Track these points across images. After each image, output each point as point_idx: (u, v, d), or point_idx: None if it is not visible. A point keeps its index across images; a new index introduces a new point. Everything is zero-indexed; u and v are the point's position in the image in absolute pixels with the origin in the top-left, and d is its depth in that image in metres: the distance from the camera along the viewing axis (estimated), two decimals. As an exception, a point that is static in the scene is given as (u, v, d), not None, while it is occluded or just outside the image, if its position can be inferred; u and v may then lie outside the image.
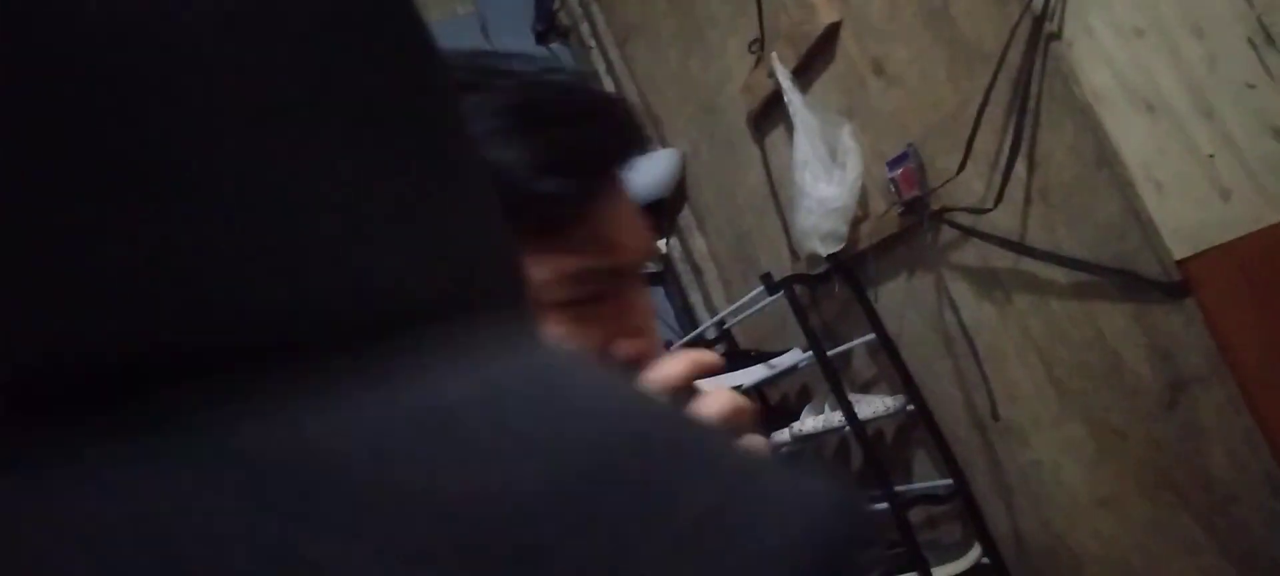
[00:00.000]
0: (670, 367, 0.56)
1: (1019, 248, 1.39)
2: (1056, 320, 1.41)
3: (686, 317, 2.45)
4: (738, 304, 1.95)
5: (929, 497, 1.75)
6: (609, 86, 2.45)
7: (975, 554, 1.71)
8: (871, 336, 1.74)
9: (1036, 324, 1.44)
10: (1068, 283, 1.37)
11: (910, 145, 1.50)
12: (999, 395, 1.54)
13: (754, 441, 0.56)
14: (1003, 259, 1.44)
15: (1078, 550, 1.55)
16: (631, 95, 2.40)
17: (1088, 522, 1.51)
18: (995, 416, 1.53)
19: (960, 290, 1.54)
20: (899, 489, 1.73)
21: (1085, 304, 1.36)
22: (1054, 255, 1.35)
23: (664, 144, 2.35)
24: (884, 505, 1.70)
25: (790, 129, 1.77)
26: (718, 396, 0.56)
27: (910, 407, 1.73)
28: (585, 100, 0.57)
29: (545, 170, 0.51)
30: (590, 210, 0.54)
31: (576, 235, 0.54)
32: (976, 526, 1.71)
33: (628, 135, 0.57)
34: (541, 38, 2.62)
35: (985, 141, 1.37)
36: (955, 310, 1.53)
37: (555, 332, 0.55)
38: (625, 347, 0.57)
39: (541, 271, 0.54)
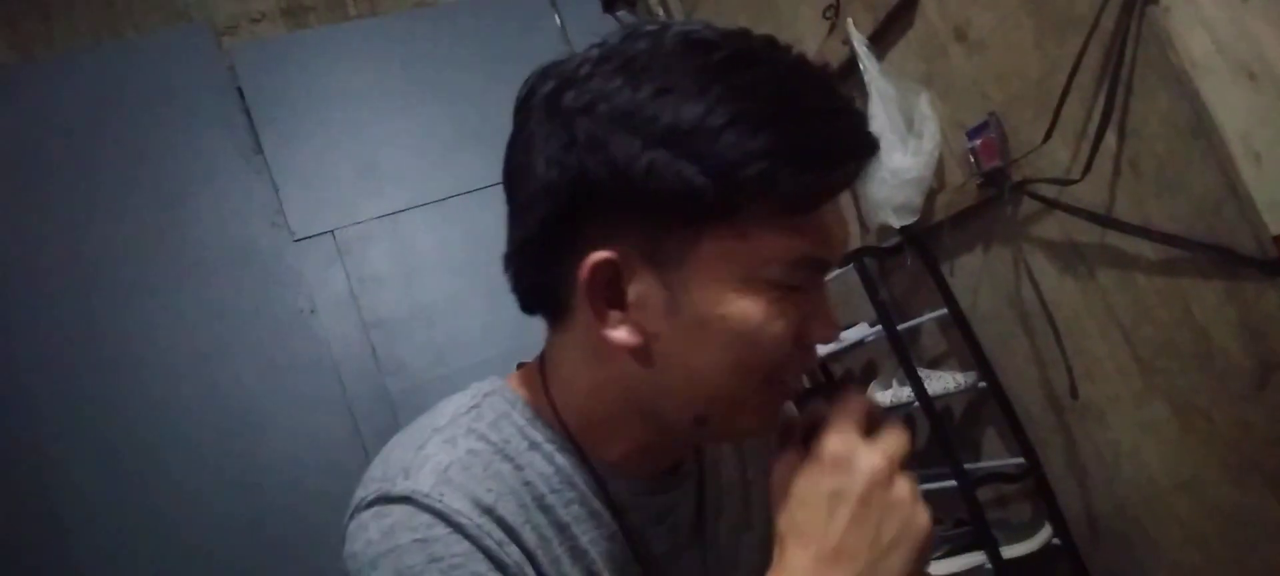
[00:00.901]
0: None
1: (1106, 221, 1.34)
2: (1143, 296, 1.37)
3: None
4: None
5: (999, 476, 1.71)
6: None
7: (1046, 534, 1.67)
8: (943, 311, 1.71)
9: (1121, 300, 1.40)
10: (1156, 258, 1.32)
11: (992, 114, 1.46)
12: (1078, 373, 1.49)
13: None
14: (1087, 233, 1.40)
15: (1155, 534, 1.50)
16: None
17: (1167, 506, 1.46)
18: (1074, 394, 1.49)
19: (1040, 264, 1.50)
20: (968, 466, 1.69)
21: (1174, 280, 1.32)
22: (1143, 229, 1.30)
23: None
24: (952, 483, 1.68)
25: (864, 97, 1.74)
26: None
27: (982, 384, 1.70)
28: (837, 97, 0.58)
29: (805, 161, 0.54)
30: (826, 203, 0.57)
31: (808, 224, 0.57)
32: (1048, 506, 1.68)
33: (866, 138, 0.58)
34: (609, 5, 2.59)
35: (1073, 110, 1.33)
36: (1035, 285, 1.49)
37: (762, 309, 0.57)
38: (820, 335, 0.61)
39: (770, 248, 0.57)
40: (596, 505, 0.67)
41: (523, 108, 0.62)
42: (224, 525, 2.01)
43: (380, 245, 2.28)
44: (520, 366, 0.73)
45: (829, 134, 0.56)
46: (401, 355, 2.22)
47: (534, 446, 0.66)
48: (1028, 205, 1.47)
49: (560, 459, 0.66)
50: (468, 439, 0.64)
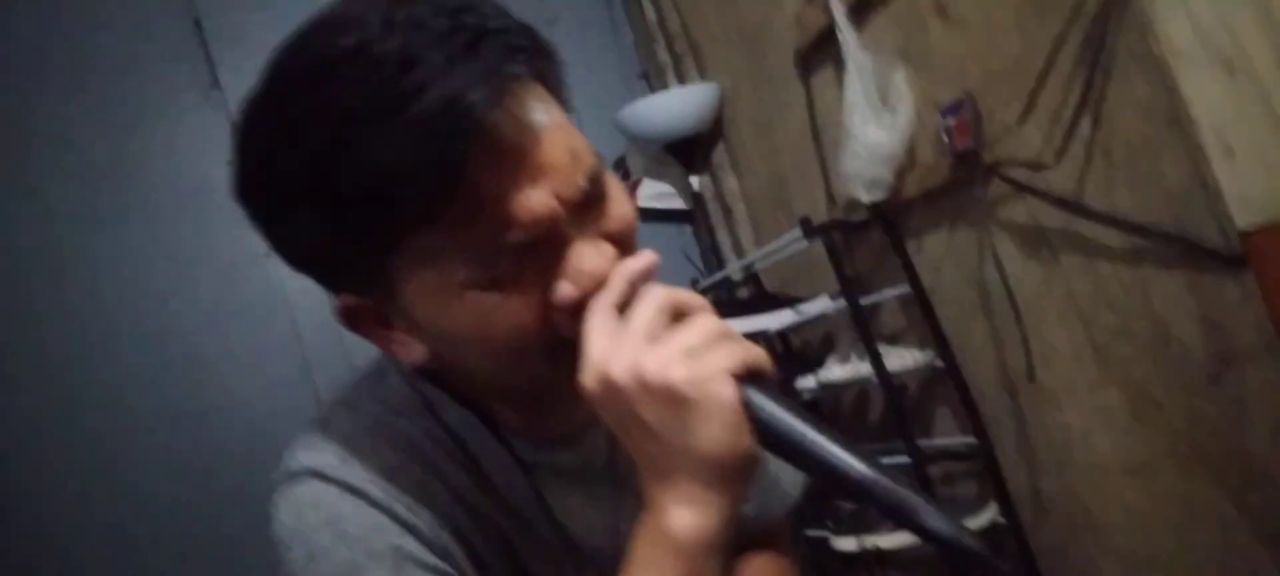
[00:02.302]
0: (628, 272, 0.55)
1: (1074, 207, 1.34)
2: (1105, 284, 1.37)
3: (714, 258, 2.42)
4: (770, 247, 1.92)
5: (950, 454, 1.73)
6: (651, 16, 2.39)
7: (991, 512, 1.70)
8: (905, 288, 1.71)
9: (1083, 286, 1.41)
10: (1121, 246, 1.33)
11: (967, 93, 1.45)
12: (1035, 357, 1.51)
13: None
14: (1054, 218, 1.40)
15: (1100, 518, 1.53)
16: (673, 24, 2.34)
17: (1114, 491, 1.49)
18: (1031, 377, 1.51)
19: (1006, 247, 1.50)
20: (920, 443, 1.71)
21: (1137, 269, 1.32)
22: (1110, 217, 1.31)
23: (703, 77, 2.29)
24: (905, 458, 1.69)
25: (840, 69, 1.72)
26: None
27: (939, 363, 1.71)
28: (418, 62, 0.50)
29: (405, 166, 0.49)
30: (471, 187, 0.50)
31: (460, 214, 0.51)
32: (995, 486, 1.70)
33: (472, 85, 0.50)
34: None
35: (1050, 94, 1.33)
36: (999, 267, 1.49)
37: (478, 305, 0.53)
38: (562, 293, 0.55)
39: (438, 267, 0.53)
40: (506, 461, 0.66)
41: None
42: (172, 468, 1.98)
43: (339, 190, 2.22)
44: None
45: (405, 117, 0.48)
46: (357, 304, 2.17)
47: (436, 406, 0.65)
48: (998, 188, 1.46)
49: (455, 413, 0.66)
50: (371, 404, 0.64)
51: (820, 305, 1.84)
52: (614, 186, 0.59)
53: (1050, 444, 1.58)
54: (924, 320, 1.70)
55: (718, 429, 0.49)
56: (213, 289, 2.09)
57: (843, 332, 1.91)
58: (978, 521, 1.68)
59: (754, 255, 2.08)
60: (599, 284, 0.55)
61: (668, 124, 2.15)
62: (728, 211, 2.33)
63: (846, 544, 1.77)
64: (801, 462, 0.51)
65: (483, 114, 0.50)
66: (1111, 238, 1.34)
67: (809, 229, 1.70)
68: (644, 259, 0.56)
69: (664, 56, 2.35)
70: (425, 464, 0.63)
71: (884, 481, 0.48)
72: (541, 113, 0.54)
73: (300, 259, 0.58)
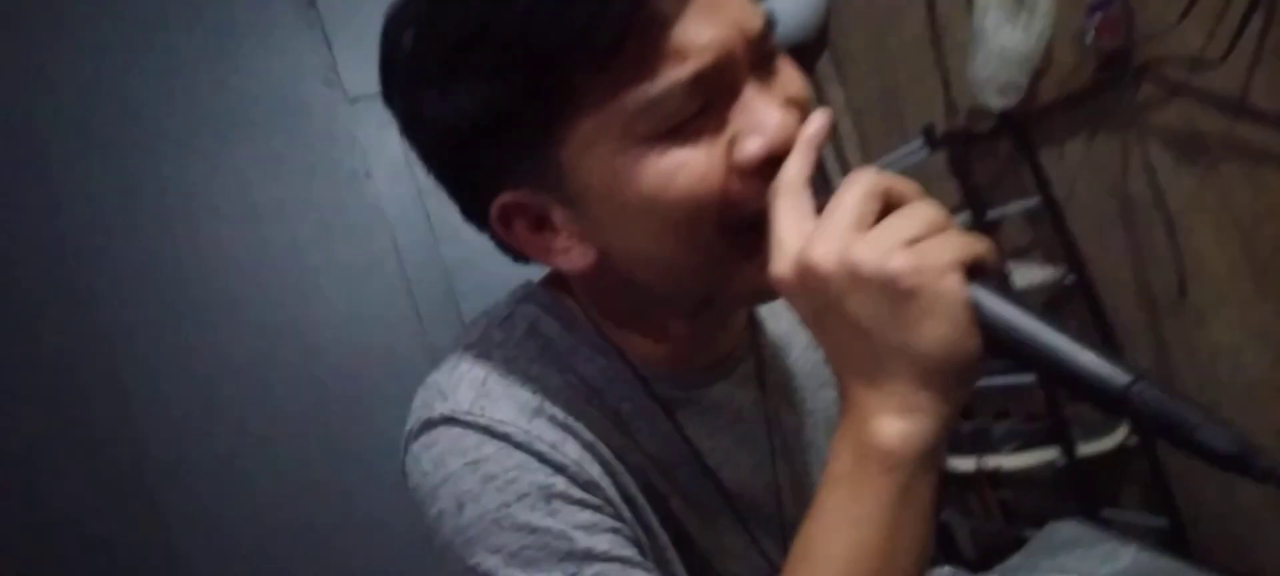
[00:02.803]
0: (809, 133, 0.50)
1: (1240, 109, 1.24)
2: (1269, 192, 1.28)
3: (817, 174, 2.34)
4: (886, 159, 1.84)
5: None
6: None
7: (1122, 433, 1.63)
8: (1035, 200, 1.62)
9: (1243, 195, 1.31)
10: (1290, 153, 1.23)
11: (1119, -12, 1.35)
12: (1185, 272, 1.42)
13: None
14: (1214, 122, 1.30)
15: (1246, 440, 1.46)
16: (775, -74, 2.22)
17: (1263, 412, 1.41)
18: (1182, 292, 1.42)
19: (1155, 154, 1.41)
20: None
21: (1308, 177, 1.23)
22: (1281, 120, 1.21)
23: (809, -18, 2.18)
24: (1029, 377, 1.63)
25: (969, -34, 1.61)
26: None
27: (1070, 279, 1.63)
28: None
29: (560, 8, 0.47)
30: (646, 17, 0.47)
31: (638, 56, 0.48)
32: (1128, 407, 1.63)
33: None
34: None
35: (1217, -14, 1.22)
36: (1148, 176, 1.40)
37: (660, 163, 0.49)
38: (747, 149, 0.50)
39: (618, 111, 0.49)
40: (646, 402, 0.62)
41: None
42: (276, 382, 2.02)
43: (437, 109, 2.20)
44: (550, 275, 0.67)
45: None
46: (458, 222, 2.16)
47: (573, 348, 0.62)
48: (1149, 90, 1.36)
49: (600, 360, 0.62)
50: (502, 348, 0.60)
51: (939, 220, 1.76)
52: (782, 54, 0.55)
53: (1192, 363, 1.50)
54: (1053, 234, 1.62)
55: (943, 326, 0.43)
56: (314, 207, 2.10)
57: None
58: (1107, 442, 1.62)
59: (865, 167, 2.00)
60: (785, 143, 0.50)
61: None
62: (833, 125, 2.24)
63: (964, 464, 1.72)
64: (1040, 367, 0.45)
65: None
66: (1278, 144, 1.24)
67: (932, 139, 1.62)
68: (822, 117, 0.51)
69: (765, -39, 2.25)
70: (569, 399, 0.59)
71: (1151, 391, 0.42)
72: None
73: (455, 152, 0.54)
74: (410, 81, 0.53)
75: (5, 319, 1.87)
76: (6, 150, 1.92)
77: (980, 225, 1.62)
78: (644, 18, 0.47)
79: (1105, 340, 1.61)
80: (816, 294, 0.46)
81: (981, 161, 1.77)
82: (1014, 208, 1.67)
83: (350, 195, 2.14)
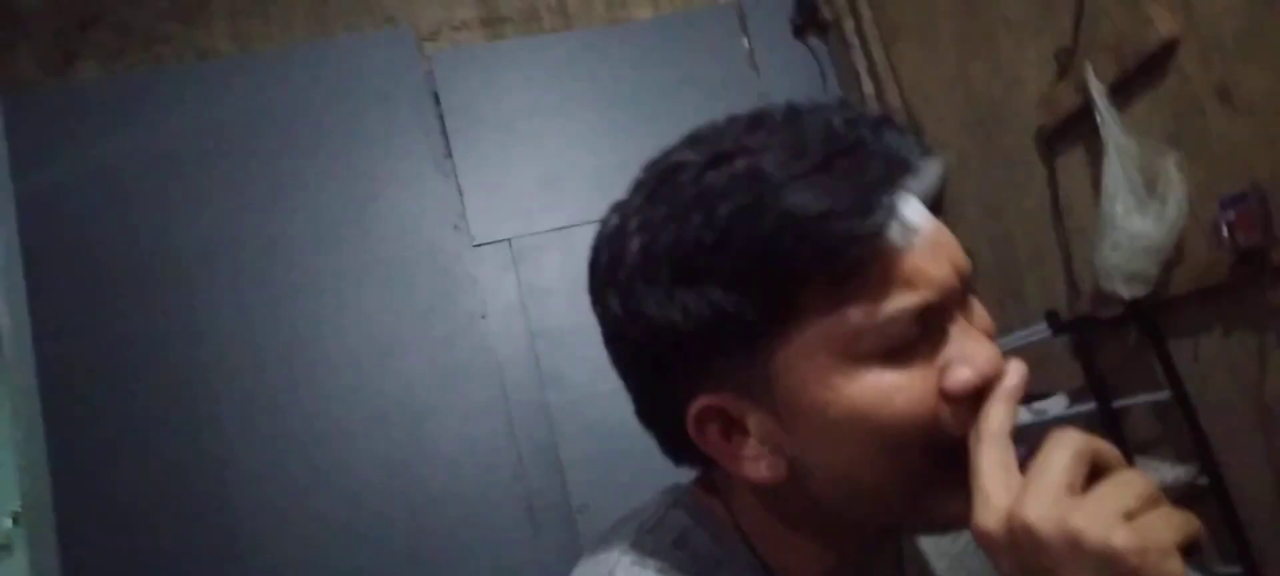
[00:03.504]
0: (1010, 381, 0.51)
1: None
2: None
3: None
4: (1008, 339, 1.79)
5: (1215, 584, 1.53)
6: (868, 90, 2.33)
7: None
8: (1164, 394, 1.55)
9: (1399, 411, 1.22)
10: None
11: (1254, 185, 1.31)
12: (1334, 486, 1.32)
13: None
14: (1363, 329, 1.23)
15: None
16: (893, 100, 2.27)
17: None
18: (1330, 510, 1.31)
19: (1297, 358, 1.33)
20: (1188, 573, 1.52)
21: None
22: None
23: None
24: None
25: (1091, 152, 1.60)
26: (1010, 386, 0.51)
27: (1202, 480, 1.53)
28: (856, 129, 0.52)
29: (827, 216, 0.48)
30: (883, 246, 0.50)
31: (872, 277, 0.50)
32: (1270, 628, 1.49)
33: (904, 159, 0.51)
34: (799, 32, 2.53)
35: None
36: (1290, 380, 1.32)
37: (879, 382, 0.50)
38: (961, 377, 0.51)
39: (848, 325, 0.50)
40: None
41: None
42: (381, 515, 2.06)
43: (553, 256, 2.28)
44: (702, 476, 0.67)
45: (843, 176, 0.49)
46: (563, 367, 2.21)
47: (720, 564, 0.60)
48: (1289, 290, 1.30)
49: None
50: (655, 558, 0.60)
51: (1058, 405, 1.70)
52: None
53: (1344, 586, 1.37)
54: (1186, 431, 1.53)
55: None
56: (431, 346, 2.18)
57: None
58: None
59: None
60: (994, 375, 0.51)
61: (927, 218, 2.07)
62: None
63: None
64: None
65: (912, 178, 0.51)
66: None
67: (1057, 324, 1.57)
68: (1019, 372, 0.52)
69: (882, 132, 2.28)
70: None
71: None
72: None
73: (669, 352, 0.54)
74: (635, 278, 0.54)
75: (127, 432, 1.99)
76: (152, 273, 2.08)
77: (1106, 414, 1.55)
78: (882, 245, 0.50)
79: (1240, 551, 1.49)
80: (1028, 555, 0.46)
81: (1106, 348, 1.71)
82: (1142, 398, 1.59)
83: (466, 336, 2.21)
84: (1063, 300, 1.80)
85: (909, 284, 0.50)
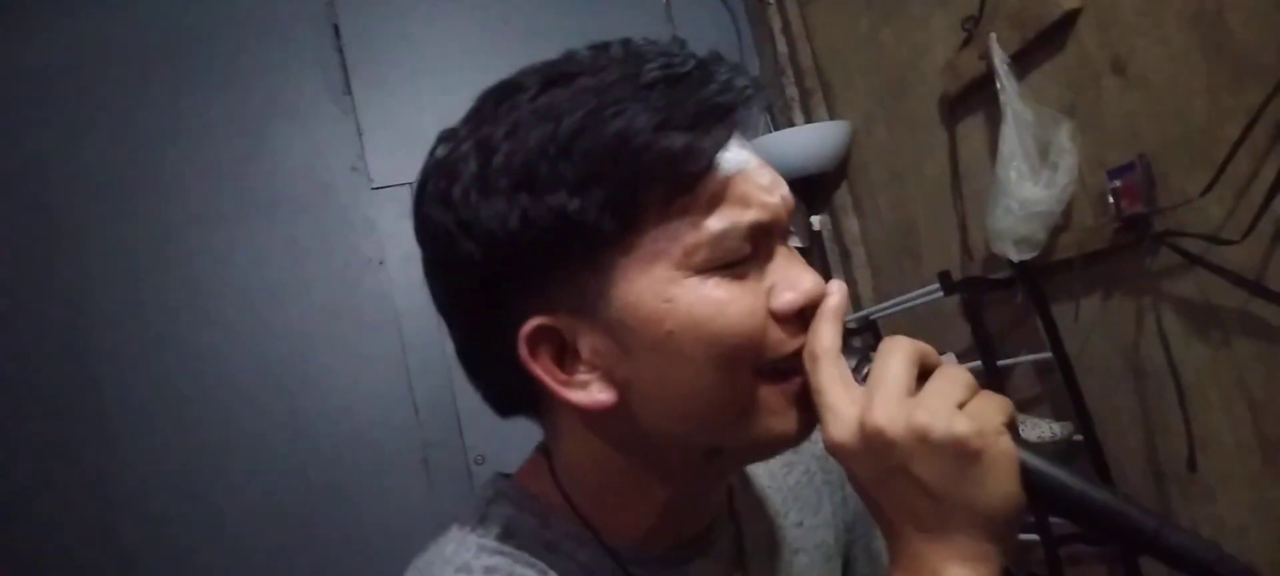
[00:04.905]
0: (832, 302, 0.55)
1: (1257, 288, 1.24)
2: (1282, 373, 1.27)
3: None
4: (901, 299, 1.84)
5: (1083, 537, 1.62)
6: (782, 49, 2.34)
7: (1125, 603, 1.59)
8: (1045, 354, 1.62)
9: (1256, 374, 1.30)
10: (1307, 335, 1.23)
11: (1141, 156, 1.36)
12: (1195, 443, 1.40)
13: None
14: (1230, 297, 1.30)
15: (1253, 623, 1.41)
16: (805, 61, 2.29)
17: (1272, 597, 1.37)
18: (1192, 466, 1.40)
19: (1169, 323, 1.40)
20: (1054, 521, 1.60)
21: (1323, 362, 1.22)
22: (1300, 303, 1.21)
23: (833, 116, 2.23)
24: (1035, 536, 1.59)
25: (991, 119, 1.64)
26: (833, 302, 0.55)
27: (1078, 437, 1.61)
28: (692, 60, 0.55)
29: (667, 127, 0.51)
30: (717, 166, 0.53)
31: (709, 193, 0.53)
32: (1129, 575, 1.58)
33: (738, 88, 0.54)
34: (714, -14, 2.52)
35: (1237, 166, 1.23)
36: (1163, 343, 1.40)
37: (713, 293, 0.53)
38: (787, 299, 0.55)
39: (684, 238, 0.53)
40: None
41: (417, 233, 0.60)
42: (270, 465, 1.99)
43: (456, 204, 2.22)
44: (525, 464, 0.67)
45: (682, 95, 0.52)
46: (465, 318, 2.17)
47: (551, 546, 0.60)
48: (1167, 258, 1.37)
49: (582, 554, 0.60)
50: (480, 558, 0.59)
51: (949, 362, 1.75)
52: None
53: (1201, 537, 1.47)
54: (1064, 389, 1.61)
55: (1004, 482, 0.49)
56: (325, 292, 2.10)
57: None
58: (1109, 611, 1.57)
59: (880, 305, 2.00)
60: (816, 299, 0.55)
61: (794, 160, 2.10)
62: (846, 254, 2.26)
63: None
64: (1074, 515, 0.51)
65: (746, 104, 0.54)
66: (1296, 325, 1.24)
67: (949, 284, 1.62)
68: (841, 291, 0.56)
69: (792, 91, 2.30)
70: None
71: (1177, 533, 0.48)
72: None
73: (500, 266, 0.54)
74: (471, 191, 0.53)
75: (3, 371, 1.86)
76: (23, 205, 1.94)
77: (991, 372, 1.61)
78: (718, 163, 0.53)
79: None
80: (882, 457, 0.50)
81: (995, 308, 1.77)
82: (1026, 358, 1.66)
83: (362, 282, 2.14)
84: (957, 263, 1.86)
85: (743, 202, 0.54)
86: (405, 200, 2.19)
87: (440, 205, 0.55)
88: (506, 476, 0.65)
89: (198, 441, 1.95)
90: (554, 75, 0.54)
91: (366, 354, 2.12)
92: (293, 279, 2.09)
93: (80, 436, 1.89)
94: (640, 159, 0.51)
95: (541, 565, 0.59)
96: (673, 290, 0.52)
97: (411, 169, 2.18)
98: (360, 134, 2.17)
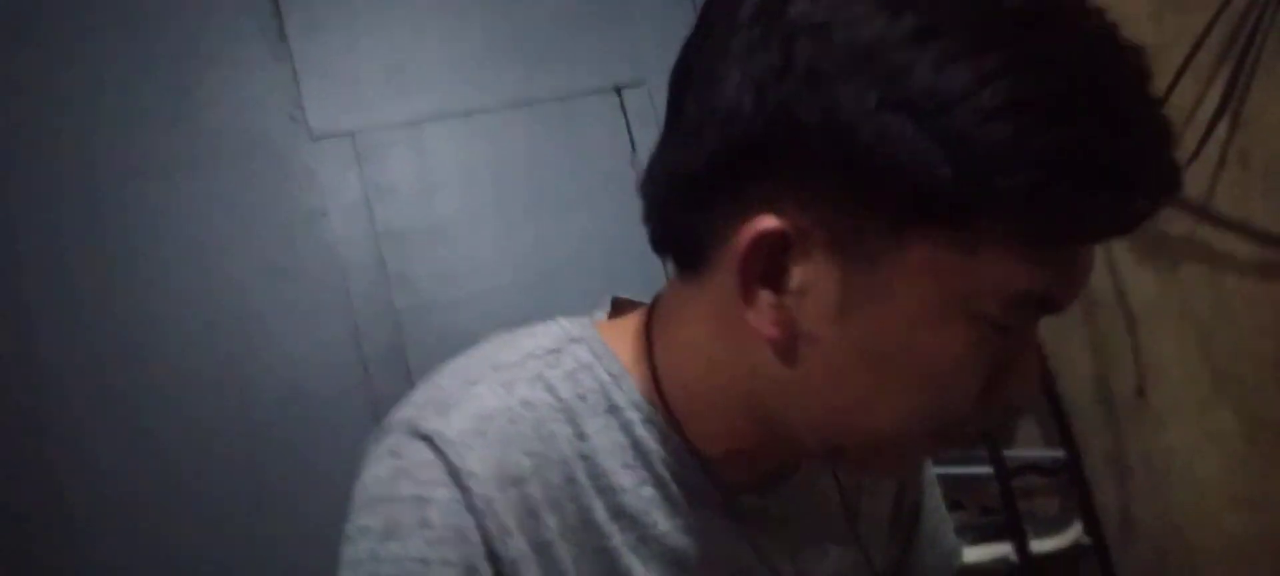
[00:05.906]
0: None
1: (1202, 213, 1.26)
2: (1228, 298, 1.29)
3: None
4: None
5: (1035, 467, 1.65)
6: None
7: (1076, 531, 1.62)
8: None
9: (1203, 300, 1.32)
10: (1250, 259, 1.25)
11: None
12: (1144, 371, 1.42)
13: None
14: (1177, 223, 1.31)
15: (1197, 545, 1.45)
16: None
17: (1217, 520, 1.40)
18: (1140, 392, 1.42)
19: (1117, 251, 1.42)
20: (1007, 454, 1.62)
21: (1266, 284, 1.24)
22: (1244, 226, 1.22)
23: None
24: (987, 469, 1.61)
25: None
26: None
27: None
28: (1151, 97, 0.45)
29: (1090, 178, 0.41)
30: (1054, 205, 0.42)
31: (1053, 256, 0.44)
32: (1082, 504, 1.61)
33: (1172, 160, 0.44)
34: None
35: (1185, 90, 1.24)
36: (1112, 272, 1.41)
37: (962, 350, 0.46)
38: (1017, 388, 0.49)
39: (997, 276, 0.44)
40: (674, 491, 0.55)
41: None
42: (213, 427, 1.93)
43: (401, 154, 2.15)
44: (618, 307, 0.60)
45: (1134, 149, 0.43)
46: (412, 271, 2.11)
47: (613, 410, 0.55)
48: (1115, 188, 1.38)
49: (641, 431, 0.55)
50: (529, 387, 0.54)
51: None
52: None
53: (1148, 465, 1.49)
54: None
55: None
56: (265, 246, 2.03)
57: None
58: (1060, 540, 1.60)
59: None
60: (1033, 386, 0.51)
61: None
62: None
63: None
64: None
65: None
66: (1240, 249, 1.25)
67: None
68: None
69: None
70: (565, 478, 0.53)
71: None
72: None
73: (816, 152, 0.44)
74: (850, 60, 0.43)
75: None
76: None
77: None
78: (1105, 229, 0.46)
79: (1063, 434, 1.60)
80: None
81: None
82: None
83: (305, 235, 2.08)
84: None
85: (1064, 276, 0.46)
86: (347, 150, 2.12)
87: (783, 28, 0.44)
88: (590, 322, 0.59)
89: (135, 409, 1.89)
90: (1040, 10, 0.44)
91: (311, 310, 2.06)
92: (232, 234, 2.02)
93: (7, 414, 1.82)
94: (1045, 193, 0.41)
95: (588, 427, 0.54)
96: (937, 314, 0.45)
97: (352, 117, 2.16)
98: (297, 81, 2.09)
